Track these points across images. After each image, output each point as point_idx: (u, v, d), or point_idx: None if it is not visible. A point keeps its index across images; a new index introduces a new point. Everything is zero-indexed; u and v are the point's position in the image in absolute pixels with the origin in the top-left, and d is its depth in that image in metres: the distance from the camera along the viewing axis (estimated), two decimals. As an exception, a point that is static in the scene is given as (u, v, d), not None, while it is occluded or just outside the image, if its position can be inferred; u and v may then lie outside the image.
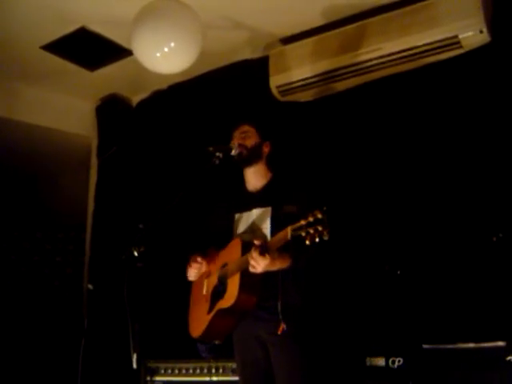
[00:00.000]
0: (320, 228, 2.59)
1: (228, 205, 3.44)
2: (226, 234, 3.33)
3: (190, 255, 3.47)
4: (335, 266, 3.78)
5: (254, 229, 3.20)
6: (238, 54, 4.64)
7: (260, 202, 3.25)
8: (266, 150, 3.40)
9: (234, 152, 3.27)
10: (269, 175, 3.40)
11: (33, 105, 5.32)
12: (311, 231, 2.61)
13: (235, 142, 3.32)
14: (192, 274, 3.37)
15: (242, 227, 3.28)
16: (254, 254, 2.86)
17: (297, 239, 2.70)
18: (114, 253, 4.00)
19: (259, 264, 2.87)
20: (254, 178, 3.38)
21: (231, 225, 3.34)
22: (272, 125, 4.22)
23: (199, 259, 3.32)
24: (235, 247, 3.16)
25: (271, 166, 3.43)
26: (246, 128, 3.39)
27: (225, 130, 3.46)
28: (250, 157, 3.33)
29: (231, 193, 3.50)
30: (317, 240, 2.60)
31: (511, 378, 2.88)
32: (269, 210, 3.18)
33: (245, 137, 3.35)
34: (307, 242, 2.63)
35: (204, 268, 3.35)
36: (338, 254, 3.74)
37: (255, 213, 3.24)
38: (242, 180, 3.44)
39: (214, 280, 3.28)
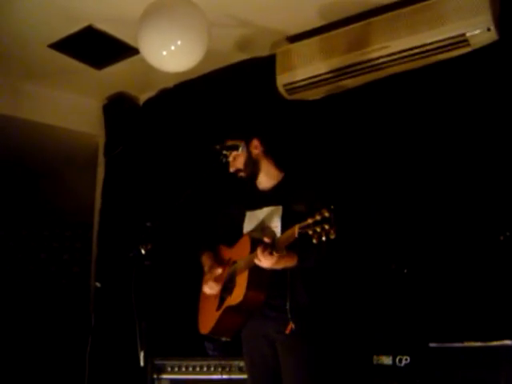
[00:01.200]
0: (327, 227, 2.59)
1: (239, 202, 3.45)
2: (237, 231, 3.33)
3: (200, 252, 3.49)
4: (342, 264, 3.77)
5: (263, 227, 3.20)
6: (245, 53, 4.63)
7: (271, 200, 3.24)
8: (256, 151, 3.33)
9: (240, 150, 3.27)
10: (280, 174, 3.38)
11: (40, 103, 5.33)
12: (318, 230, 2.61)
13: (231, 170, 3.32)
14: (207, 290, 3.35)
15: (251, 225, 3.28)
16: (262, 252, 2.86)
17: (304, 237, 2.70)
18: (122, 251, 4.00)
19: (266, 262, 2.88)
20: (265, 179, 3.36)
21: (241, 222, 3.34)
22: (279, 124, 4.23)
23: (219, 272, 3.31)
24: (244, 244, 3.17)
25: (281, 164, 3.41)
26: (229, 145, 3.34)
27: (231, 128, 3.46)
28: (251, 173, 3.32)
29: (242, 191, 3.49)
30: (323, 239, 2.60)
31: (518, 376, 2.88)
32: (279, 208, 3.18)
33: (233, 159, 3.32)
34: (314, 241, 2.63)
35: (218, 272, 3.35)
36: (345, 253, 3.73)
37: (265, 211, 3.23)
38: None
39: (223, 277, 3.29)
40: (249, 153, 3.32)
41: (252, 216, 3.31)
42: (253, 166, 3.31)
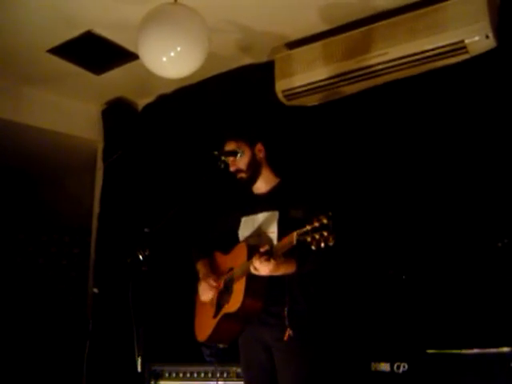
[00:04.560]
0: (325, 233, 2.57)
1: (234, 208, 3.43)
2: (232, 237, 3.33)
3: (195, 260, 3.48)
4: (340, 270, 3.77)
5: (260, 233, 3.19)
6: (244, 59, 4.64)
7: (266, 205, 3.22)
8: (260, 155, 3.32)
9: (239, 156, 3.26)
10: (275, 179, 3.36)
11: (39, 108, 5.33)
12: (317, 236, 2.59)
13: (231, 169, 3.27)
14: (202, 296, 3.36)
15: (248, 231, 3.27)
16: (259, 259, 2.85)
17: (302, 244, 2.69)
18: (119, 256, 4.00)
19: (263, 269, 2.87)
20: (261, 183, 3.34)
21: (237, 228, 3.33)
22: (278, 129, 4.23)
23: (213, 283, 3.30)
24: (241, 251, 3.15)
25: (277, 170, 3.41)
26: (231, 146, 3.30)
27: (230, 134, 3.45)
28: (251, 176, 3.29)
29: (238, 196, 3.48)
30: (322, 245, 2.58)
31: (516, 383, 2.87)
32: (275, 213, 3.16)
33: (235, 158, 3.29)
34: (313, 248, 2.61)
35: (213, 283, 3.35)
36: (343, 259, 3.73)
37: (261, 216, 3.22)
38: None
39: (219, 284, 3.28)
40: (253, 155, 3.30)
41: (248, 221, 3.29)
42: (255, 169, 3.30)
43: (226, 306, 3.12)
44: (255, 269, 2.89)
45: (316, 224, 2.60)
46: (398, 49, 3.84)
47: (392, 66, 3.91)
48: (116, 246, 5.10)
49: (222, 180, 3.32)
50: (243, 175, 3.28)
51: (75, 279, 7.40)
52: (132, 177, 5.29)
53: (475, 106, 3.67)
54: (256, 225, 3.23)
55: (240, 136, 3.33)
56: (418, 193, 3.81)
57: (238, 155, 3.24)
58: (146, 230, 3.12)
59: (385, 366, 3.30)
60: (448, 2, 3.69)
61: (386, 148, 3.98)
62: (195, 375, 3.93)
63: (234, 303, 3.05)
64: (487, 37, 3.57)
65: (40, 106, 5.32)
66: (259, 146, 3.33)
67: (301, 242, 2.70)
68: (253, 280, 2.98)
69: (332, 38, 4.16)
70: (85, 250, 6.24)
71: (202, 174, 3.26)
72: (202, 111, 4.92)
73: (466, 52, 3.68)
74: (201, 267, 3.43)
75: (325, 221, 2.58)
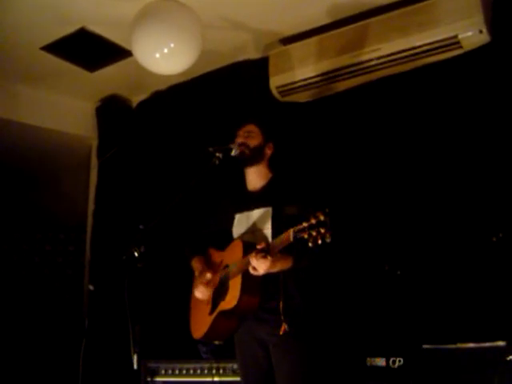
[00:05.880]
0: (323, 230, 2.58)
1: (228, 204, 3.44)
2: (226, 233, 3.33)
3: (190, 256, 3.48)
4: (335, 265, 3.77)
5: (254, 229, 3.19)
6: (238, 55, 4.64)
7: (260, 201, 3.23)
8: (268, 151, 3.39)
9: (233, 153, 3.27)
10: (269, 174, 3.39)
11: (33, 106, 5.31)
12: (314, 233, 2.60)
13: (238, 140, 3.32)
14: (198, 295, 3.36)
15: (242, 227, 3.27)
16: (256, 257, 2.86)
17: (299, 241, 2.69)
18: (115, 253, 3.99)
19: (261, 267, 2.88)
20: (255, 178, 3.37)
21: (231, 224, 3.33)
22: (272, 125, 4.22)
23: (209, 277, 3.31)
24: (236, 248, 3.15)
25: (272, 166, 3.42)
26: (250, 128, 3.38)
27: (225, 131, 3.46)
28: (252, 157, 3.32)
29: (232, 192, 3.49)
30: (319, 242, 2.59)
31: (511, 377, 2.88)
32: (269, 210, 3.16)
33: (248, 136, 3.34)
34: (310, 244, 2.62)
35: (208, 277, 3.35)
36: (339, 254, 3.73)
37: (256, 213, 3.22)
38: (242, 180, 3.44)
39: (215, 281, 3.28)
40: (262, 146, 3.36)
41: (242, 218, 3.30)
42: (257, 154, 3.33)
43: (222, 303, 3.12)
44: (254, 269, 2.89)
45: (313, 221, 2.61)
46: (391, 44, 3.85)
47: (386, 62, 3.91)
48: (111, 243, 5.09)
49: (216, 177, 3.32)
50: (246, 151, 3.31)
51: (71, 277, 7.40)
52: (127, 174, 5.28)
53: (469, 101, 3.67)
54: (250, 222, 3.23)
55: (260, 125, 3.41)
56: (412, 188, 3.81)
57: (232, 152, 3.26)
58: (141, 226, 3.12)
59: (380, 361, 3.31)
60: (441, -3, 3.70)
61: (379, 143, 3.98)
62: (191, 372, 3.93)
63: (231, 300, 3.04)
64: (481, 31, 3.58)
65: (33, 103, 5.30)
66: (270, 145, 3.41)
67: (297, 238, 2.70)
68: (249, 277, 2.97)
69: (326, 34, 4.17)
70: (80, 247, 6.24)
71: (197, 171, 3.27)
72: (196, 107, 4.92)
73: (460, 47, 3.68)
74: (196, 264, 3.43)
75: (322, 217, 2.59)
